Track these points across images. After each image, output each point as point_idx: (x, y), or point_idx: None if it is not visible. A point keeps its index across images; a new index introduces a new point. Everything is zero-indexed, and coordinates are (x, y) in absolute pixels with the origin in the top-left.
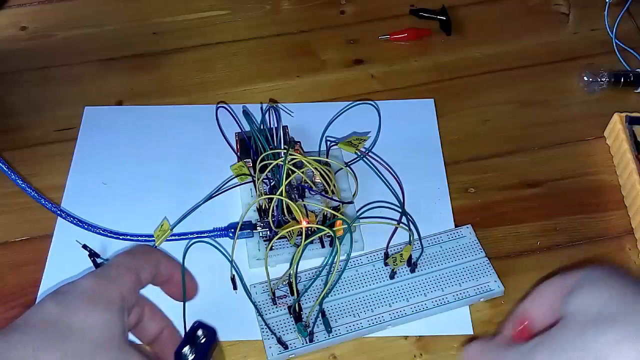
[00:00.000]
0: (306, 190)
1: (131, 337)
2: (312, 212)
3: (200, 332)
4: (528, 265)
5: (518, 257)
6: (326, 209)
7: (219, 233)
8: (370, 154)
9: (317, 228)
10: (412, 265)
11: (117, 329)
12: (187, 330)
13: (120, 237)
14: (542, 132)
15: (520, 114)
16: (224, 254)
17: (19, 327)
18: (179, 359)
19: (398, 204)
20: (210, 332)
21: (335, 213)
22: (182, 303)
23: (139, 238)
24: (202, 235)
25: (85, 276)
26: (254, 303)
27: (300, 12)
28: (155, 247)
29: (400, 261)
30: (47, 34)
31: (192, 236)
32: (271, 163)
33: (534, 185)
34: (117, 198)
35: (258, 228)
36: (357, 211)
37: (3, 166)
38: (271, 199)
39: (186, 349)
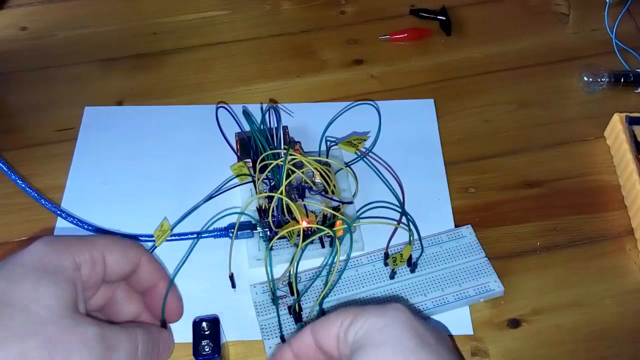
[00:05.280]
0: (306, 190)
1: None
2: (312, 212)
3: (204, 325)
4: (528, 265)
5: (518, 257)
6: (326, 209)
7: (218, 233)
8: (370, 154)
9: (317, 228)
10: (412, 265)
11: (67, 300)
12: (193, 329)
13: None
14: (542, 132)
15: (520, 114)
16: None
17: None
18: (198, 355)
19: (398, 204)
20: (213, 320)
21: (335, 213)
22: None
23: (139, 238)
24: (202, 235)
25: (36, 242)
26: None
27: (300, 12)
28: (155, 247)
29: (400, 261)
30: (47, 34)
31: (191, 236)
32: (271, 163)
33: (534, 185)
34: (117, 198)
35: (258, 228)
36: (357, 211)
37: (3, 166)
38: (271, 198)
39: (202, 344)
